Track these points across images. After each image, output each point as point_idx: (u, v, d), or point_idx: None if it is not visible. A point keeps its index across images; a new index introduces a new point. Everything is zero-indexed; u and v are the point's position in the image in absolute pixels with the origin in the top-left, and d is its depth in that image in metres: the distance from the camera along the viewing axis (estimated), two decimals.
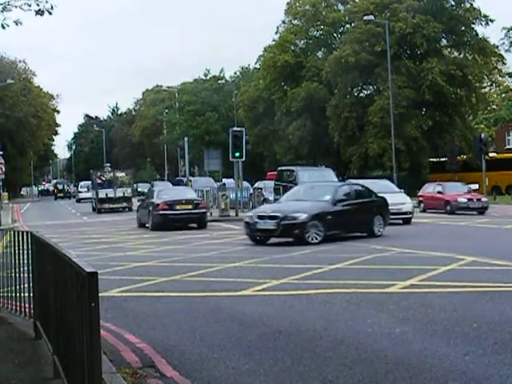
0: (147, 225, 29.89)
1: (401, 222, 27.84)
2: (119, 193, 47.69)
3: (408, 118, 54.02)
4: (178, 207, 29.15)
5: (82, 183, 78.08)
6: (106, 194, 47.78)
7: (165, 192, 32.01)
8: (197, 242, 23.00)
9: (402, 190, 31.02)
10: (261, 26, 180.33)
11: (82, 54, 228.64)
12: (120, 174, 50.17)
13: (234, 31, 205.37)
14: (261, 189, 41.70)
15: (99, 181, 49.03)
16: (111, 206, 47.13)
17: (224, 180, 49.02)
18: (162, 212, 28.86)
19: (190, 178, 50.83)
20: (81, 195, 69.42)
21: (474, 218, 31.15)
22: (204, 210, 30.38)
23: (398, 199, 27.96)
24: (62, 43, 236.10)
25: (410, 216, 28.43)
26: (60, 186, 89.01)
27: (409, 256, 17.02)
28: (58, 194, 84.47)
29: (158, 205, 29.19)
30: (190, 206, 29.47)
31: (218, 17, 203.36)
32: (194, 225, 29.64)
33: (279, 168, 40.77)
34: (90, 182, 56.99)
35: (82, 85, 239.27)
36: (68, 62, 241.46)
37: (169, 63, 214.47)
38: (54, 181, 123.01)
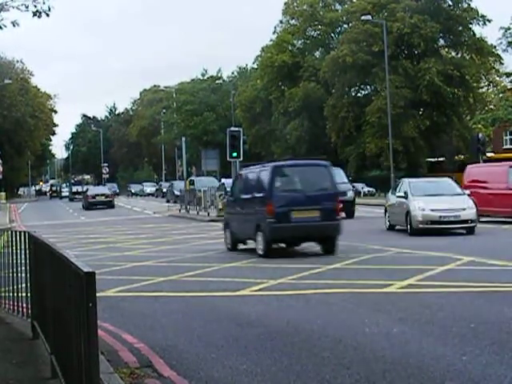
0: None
1: (464, 231, 23.17)
2: (84, 189, 68.54)
3: (405, 118, 54.05)
4: (97, 197, 55.39)
5: (63, 184, 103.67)
6: (77, 189, 76.62)
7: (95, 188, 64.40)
8: (194, 241, 22.99)
9: (466, 192, 25.64)
10: (260, 26, 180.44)
11: (82, 54, 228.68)
12: (86, 177, 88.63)
13: (233, 31, 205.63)
14: None
15: (73, 181, 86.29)
16: (79, 196, 69.60)
17: (223, 180, 48.98)
18: (90, 200, 55.21)
19: (193, 178, 51.33)
20: (63, 194, 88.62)
21: None
22: (111, 199, 55.66)
23: (456, 204, 23.35)
24: (62, 44, 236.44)
25: (473, 225, 23.14)
26: (54, 188, 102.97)
27: (406, 256, 17.02)
28: (53, 194, 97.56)
29: (87, 195, 56.56)
30: (103, 197, 55.44)
31: (217, 17, 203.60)
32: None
33: None
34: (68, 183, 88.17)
35: (81, 85, 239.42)
36: (67, 62, 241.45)
37: (168, 63, 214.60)
38: (52, 181, 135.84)
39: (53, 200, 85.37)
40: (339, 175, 34.61)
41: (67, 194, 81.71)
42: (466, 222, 23.12)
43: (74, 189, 77.54)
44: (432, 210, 23.10)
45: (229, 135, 35.29)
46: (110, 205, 54.28)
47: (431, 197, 23.75)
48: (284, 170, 18.71)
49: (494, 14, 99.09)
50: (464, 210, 23.19)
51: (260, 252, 17.94)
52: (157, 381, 7.17)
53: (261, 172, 18.89)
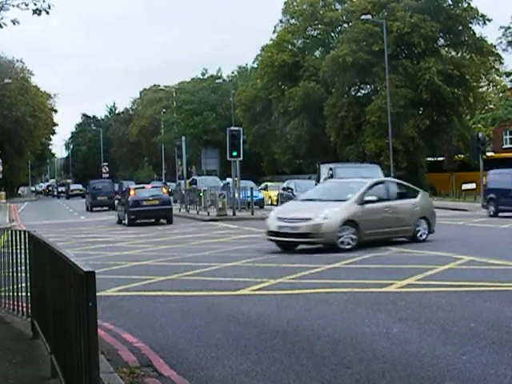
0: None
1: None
2: (66, 188, 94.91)
3: (405, 117, 53.96)
4: (74, 191, 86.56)
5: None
6: (61, 190, 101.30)
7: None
8: (194, 241, 22.98)
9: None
10: (260, 27, 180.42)
11: (82, 54, 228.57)
12: (68, 181, 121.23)
13: (233, 31, 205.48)
14: (291, 189, 38.90)
15: (59, 184, 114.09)
16: (63, 194, 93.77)
17: (228, 179, 48.72)
18: (70, 193, 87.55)
19: (196, 178, 51.40)
20: (55, 193, 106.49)
21: (471, 217, 31.09)
22: (83, 192, 75.52)
23: (311, 212, 18.57)
24: (62, 43, 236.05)
25: (317, 240, 18.35)
26: (51, 188, 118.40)
27: (406, 255, 17.02)
28: (49, 193, 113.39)
29: (69, 189, 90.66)
30: (78, 190, 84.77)
31: (217, 17, 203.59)
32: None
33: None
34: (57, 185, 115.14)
35: (81, 85, 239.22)
36: (67, 62, 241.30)
37: (168, 63, 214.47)
38: (51, 180, 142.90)
39: (49, 199, 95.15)
40: (376, 174, 31.60)
41: (55, 193, 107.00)
42: (305, 235, 17.94)
43: (60, 189, 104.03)
44: (279, 219, 18.77)
45: (229, 135, 35.30)
46: (83, 196, 73.18)
47: (306, 202, 19.80)
48: (93, 184, 52.10)
49: (493, 13, 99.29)
50: (309, 219, 17.96)
51: (88, 210, 49.54)
52: (157, 380, 7.18)
53: (91, 184, 52.65)
